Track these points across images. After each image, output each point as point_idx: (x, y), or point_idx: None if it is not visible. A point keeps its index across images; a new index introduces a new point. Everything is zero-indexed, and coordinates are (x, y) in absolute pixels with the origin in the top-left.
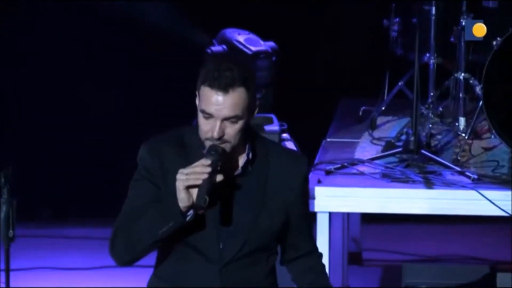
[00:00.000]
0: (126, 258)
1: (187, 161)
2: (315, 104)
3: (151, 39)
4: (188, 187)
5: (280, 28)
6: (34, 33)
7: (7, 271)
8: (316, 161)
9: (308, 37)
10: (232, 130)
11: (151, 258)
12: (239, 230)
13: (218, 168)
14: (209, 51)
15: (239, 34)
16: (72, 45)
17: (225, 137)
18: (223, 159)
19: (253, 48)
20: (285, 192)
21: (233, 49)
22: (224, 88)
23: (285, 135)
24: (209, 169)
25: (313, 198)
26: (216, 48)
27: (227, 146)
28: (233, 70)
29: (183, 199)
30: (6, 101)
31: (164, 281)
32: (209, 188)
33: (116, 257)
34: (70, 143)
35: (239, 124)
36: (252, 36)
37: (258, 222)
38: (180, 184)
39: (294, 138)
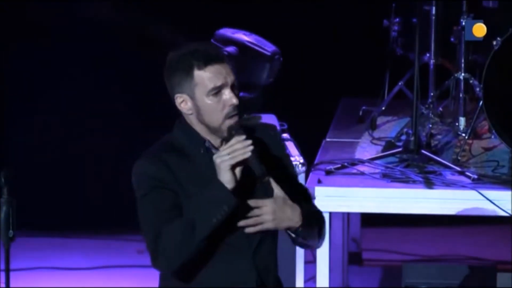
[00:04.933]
0: (178, 260)
1: (191, 163)
2: (315, 104)
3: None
4: (234, 166)
5: (279, 28)
6: (34, 33)
7: (7, 271)
8: (316, 161)
9: (308, 37)
10: (237, 99)
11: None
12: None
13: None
14: (225, 52)
15: (244, 34)
16: (73, 48)
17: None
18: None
19: (269, 49)
20: (270, 162)
21: (246, 49)
22: (220, 58)
23: (285, 135)
24: (249, 141)
25: (313, 198)
26: (230, 49)
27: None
28: (209, 46)
29: (230, 180)
30: (7, 102)
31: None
32: (258, 158)
33: (166, 262)
34: (71, 146)
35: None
36: (256, 36)
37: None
38: (225, 165)
39: (294, 138)
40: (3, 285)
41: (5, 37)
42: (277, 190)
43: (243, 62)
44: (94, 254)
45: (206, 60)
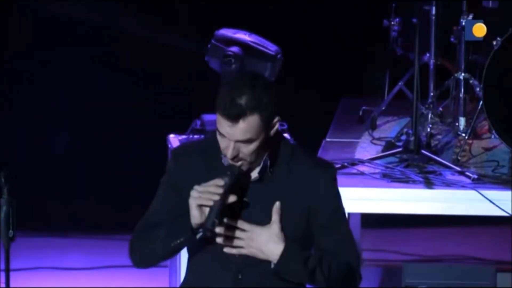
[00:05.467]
0: (142, 263)
1: (210, 172)
2: (315, 104)
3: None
4: (200, 206)
5: (279, 28)
6: (34, 33)
7: (7, 271)
8: None
9: (308, 37)
10: (247, 150)
11: None
12: None
13: (232, 189)
14: (230, 52)
15: (245, 34)
16: (73, 49)
17: (240, 155)
18: (240, 179)
19: (272, 48)
20: (307, 198)
21: (249, 49)
22: (234, 118)
23: (285, 135)
24: (220, 190)
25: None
26: (234, 49)
27: (243, 164)
28: (246, 96)
29: (196, 216)
30: (7, 102)
31: None
32: (219, 210)
33: (133, 260)
34: (71, 146)
35: (253, 145)
36: (256, 35)
37: None
38: (192, 202)
39: (294, 138)
40: (3, 285)
41: (5, 37)
42: (274, 223)
43: (245, 62)
44: (94, 254)
45: (223, 112)
